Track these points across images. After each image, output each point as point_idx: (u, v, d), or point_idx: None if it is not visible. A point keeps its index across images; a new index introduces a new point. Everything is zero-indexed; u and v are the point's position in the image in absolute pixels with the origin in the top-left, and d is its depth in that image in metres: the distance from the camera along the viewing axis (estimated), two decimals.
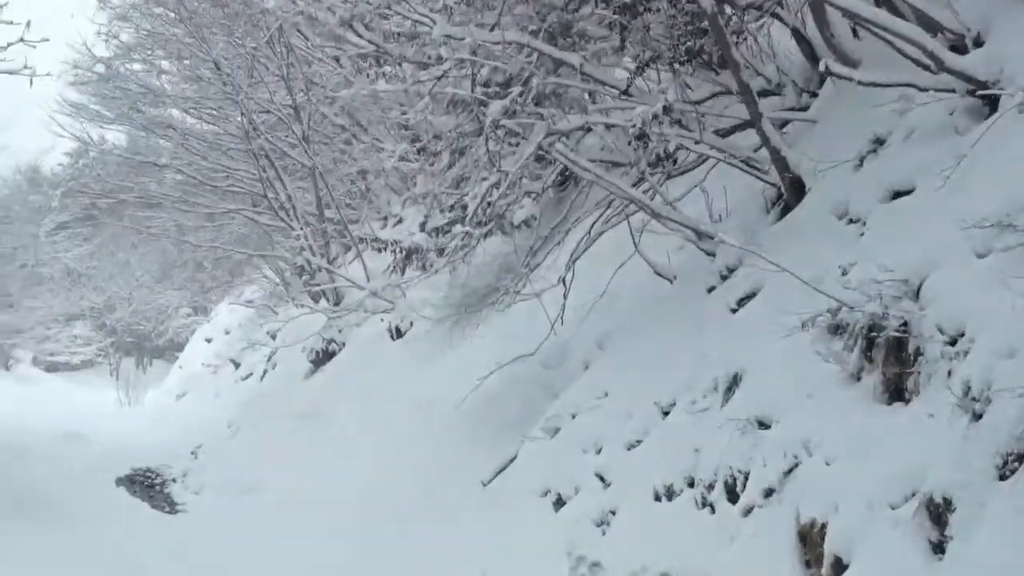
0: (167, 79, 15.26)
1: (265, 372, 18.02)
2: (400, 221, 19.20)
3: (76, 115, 14.50)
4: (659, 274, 7.55)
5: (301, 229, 14.76)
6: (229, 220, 19.03)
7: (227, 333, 25.63)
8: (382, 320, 12.42)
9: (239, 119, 14.27)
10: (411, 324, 11.76)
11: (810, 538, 4.25)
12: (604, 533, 5.60)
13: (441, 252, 8.74)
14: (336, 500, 8.79)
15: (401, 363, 11.46)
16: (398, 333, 12.28)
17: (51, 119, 13.92)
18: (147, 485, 12.75)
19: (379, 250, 9.19)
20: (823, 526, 4.15)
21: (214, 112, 14.75)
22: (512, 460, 7.07)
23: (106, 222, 37.64)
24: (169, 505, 11.16)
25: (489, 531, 6.49)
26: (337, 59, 16.04)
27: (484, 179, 8.75)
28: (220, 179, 15.03)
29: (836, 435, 4.40)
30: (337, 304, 15.54)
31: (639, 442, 5.84)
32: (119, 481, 12.77)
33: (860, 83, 5.18)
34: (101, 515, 9.84)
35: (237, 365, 20.89)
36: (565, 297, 8.44)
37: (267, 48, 14.29)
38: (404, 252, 8.25)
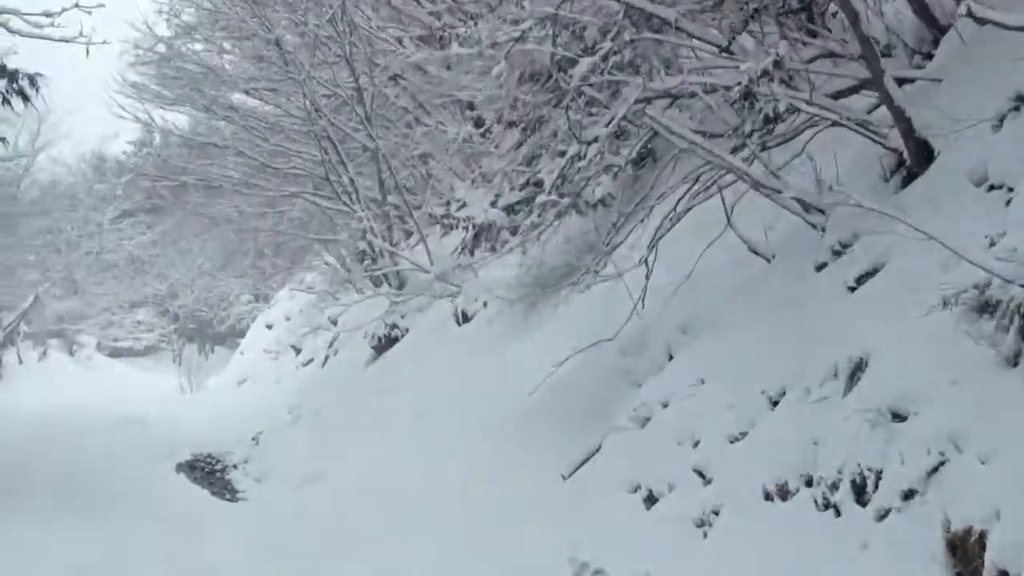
0: (228, 59, 15.00)
1: (326, 358, 17.75)
2: (463, 205, 18.75)
3: (137, 96, 14.32)
4: (755, 252, 6.94)
5: (363, 211, 14.39)
6: (290, 206, 18.84)
7: (288, 320, 25.53)
8: (452, 301, 11.97)
9: (301, 100, 13.94)
10: (484, 305, 11.23)
11: (965, 548, 3.65)
12: (705, 535, 5.04)
13: (515, 231, 8.24)
14: (401, 493, 8.33)
15: (468, 349, 10.99)
16: (464, 318, 11.80)
17: (111, 99, 13.73)
18: (207, 471, 12.49)
19: (450, 227, 8.68)
20: (982, 534, 3.56)
21: (276, 90, 14.42)
22: (595, 452, 6.51)
23: (169, 208, 38.03)
24: (230, 492, 10.84)
25: (573, 529, 5.95)
26: (400, 40, 15.67)
27: (562, 152, 8.25)
28: (281, 162, 14.71)
29: (992, 428, 3.79)
30: (400, 289, 15.18)
31: (743, 435, 5.25)
32: (179, 467, 12.54)
33: (1007, 27, 4.52)
34: (160, 501, 9.55)
35: (298, 351, 20.70)
36: (647, 278, 7.86)
37: (329, 27, 13.93)
38: (476, 229, 7.74)
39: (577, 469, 6.51)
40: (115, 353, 36.87)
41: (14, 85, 7.55)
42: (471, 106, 17.04)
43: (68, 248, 31.82)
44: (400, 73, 16.12)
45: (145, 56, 14.31)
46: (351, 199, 14.78)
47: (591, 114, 7.63)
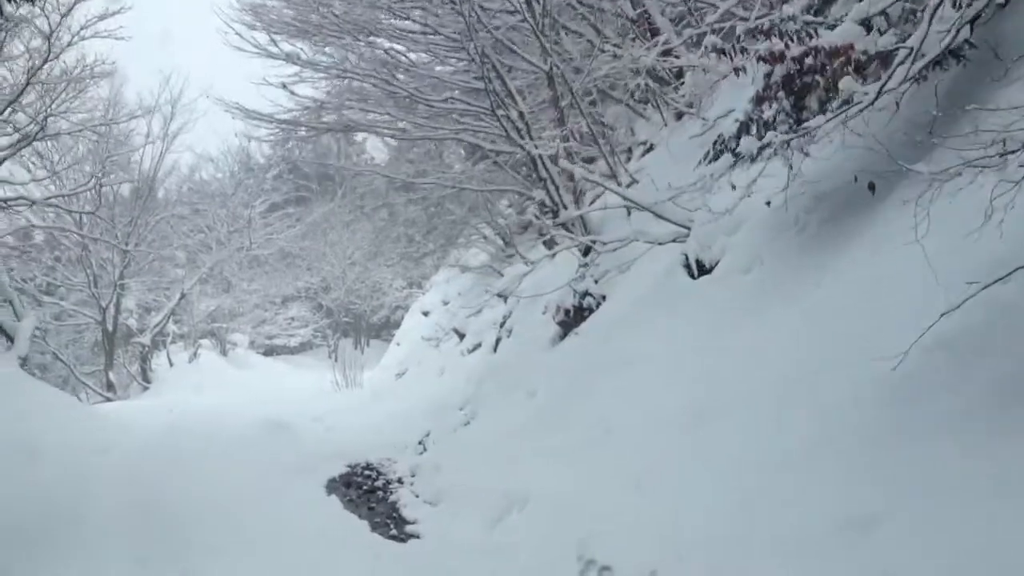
0: None
1: (498, 341, 14.71)
2: (651, 148, 15.48)
3: (255, 18, 11.55)
4: None
5: (538, 146, 11.24)
6: (443, 168, 16.10)
7: (445, 304, 22.95)
8: (682, 244, 8.56)
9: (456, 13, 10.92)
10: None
11: None
12: None
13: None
14: (672, 539, 5.05)
15: (715, 313, 7.57)
16: (700, 268, 8.39)
17: (228, 27, 11.03)
18: (366, 490, 9.60)
19: (772, 58, 5.26)
20: None
21: (425, 8, 11.40)
22: None
23: (317, 198, 36.34)
24: (396, 525, 7.82)
25: None
26: None
27: None
28: (435, 96, 11.71)
29: None
30: (586, 253, 12.01)
31: None
32: (331, 485, 9.72)
33: None
34: (298, 545, 6.61)
35: (462, 336, 17.88)
36: None
37: None
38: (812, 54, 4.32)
39: None
40: (269, 351, 35.50)
41: None
42: (652, 29, 13.90)
43: (218, 246, 30.42)
44: None
45: None
46: (522, 134, 11.66)
47: None
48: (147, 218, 24.12)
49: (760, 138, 6.16)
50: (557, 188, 12.01)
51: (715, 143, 6.60)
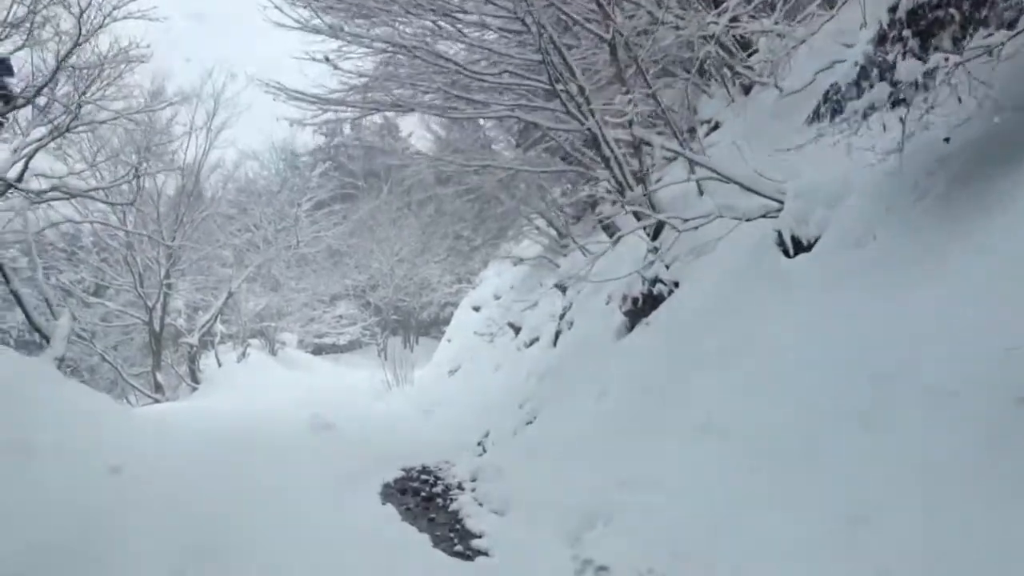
0: None
1: (558, 334, 13.84)
2: (716, 127, 14.48)
3: None
4: None
5: (599, 121, 10.32)
6: (491, 157, 15.27)
7: (497, 298, 22.14)
8: (772, 221, 7.55)
9: None
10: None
11: None
12: None
13: None
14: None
15: (827, 296, 6.57)
16: (797, 246, 7.40)
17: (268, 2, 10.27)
18: (424, 497, 8.78)
19: None
20: None
21: None
22: None
23: (363, 194, 35.75)
24: (460, 539, 6.96)
25: None
26: None
27: None
28: (488, 68, 10.86)
29: None
30: (655, 236, 11.09)
31: None
32: (386, 491, 8.93)
33: None
34: (356, 566, 5.79)
35: (517, 330, 17.02)
36: None
37: None
38: None
39: None
40: (318, 350, 35.06)
41: None
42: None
43: (265, 245, 29.97)
44: None
45: None
46: (582, 111, 10.76)
47: None
48: (192, 215, 23.66)
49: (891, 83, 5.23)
50: (621, 167, 11.09)
51: (826, 93, 5.67)
